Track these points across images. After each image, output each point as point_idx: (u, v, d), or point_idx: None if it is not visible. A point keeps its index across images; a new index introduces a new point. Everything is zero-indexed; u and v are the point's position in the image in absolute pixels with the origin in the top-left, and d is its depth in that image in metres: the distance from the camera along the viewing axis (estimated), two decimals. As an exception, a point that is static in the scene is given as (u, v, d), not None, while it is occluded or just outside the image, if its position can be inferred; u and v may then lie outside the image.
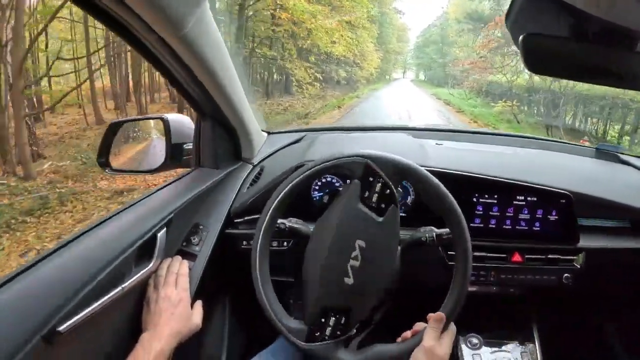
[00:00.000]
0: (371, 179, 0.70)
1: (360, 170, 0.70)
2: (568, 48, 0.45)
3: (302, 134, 1.23)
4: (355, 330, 0.70)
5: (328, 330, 0.68)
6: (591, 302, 1.09)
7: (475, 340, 0.99)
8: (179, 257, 0.81)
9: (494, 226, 0.91)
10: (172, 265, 0.79)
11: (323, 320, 0.68)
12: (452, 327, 0.68)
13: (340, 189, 0.99)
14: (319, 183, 0.98)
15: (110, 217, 0.76)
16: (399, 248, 0.78)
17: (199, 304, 0.78)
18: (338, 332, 0.68)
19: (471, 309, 0.74)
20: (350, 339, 0.70)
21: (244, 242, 0.93)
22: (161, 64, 0.74)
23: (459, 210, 0.69)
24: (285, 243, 0.93)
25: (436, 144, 1.12)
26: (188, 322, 0.72)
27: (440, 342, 0.65)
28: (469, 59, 14.59)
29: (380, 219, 0.70)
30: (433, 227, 0.80)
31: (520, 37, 0.44)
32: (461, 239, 0.68)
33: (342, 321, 0.68)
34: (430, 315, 0.68)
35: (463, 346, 0.99)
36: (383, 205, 0.70)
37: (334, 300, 0.69)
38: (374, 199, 0.70)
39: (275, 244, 0.91)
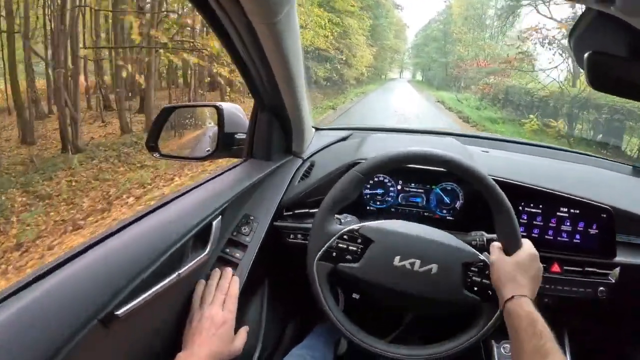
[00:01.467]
0: None
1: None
2: (633, 68, 0.46)
3: (349, 132, 1.25)
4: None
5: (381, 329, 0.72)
6: (623, 317, 1.11)
7: (509, 347, 1.01)
8: (229, 274, 0.78)
9: (536, 235, 0.93)
10: (222, 285, 0.75)
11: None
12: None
13: (392, 188, 1.01)
14: (371, 182, 1.00)
15: (166, 203, 0.76)
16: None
17: (244, 329, 0.75)
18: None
19: None
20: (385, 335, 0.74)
21: (291, 236, 0.95)
22: (235, 48, 0.75)
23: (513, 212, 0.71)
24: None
25: (482, 151, 1.13)
26: (229, 345, 0.69)
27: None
28: (481, 58, 12.93)
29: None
30: (484, 232, 0.81)
31: (586, 55, 0.45)
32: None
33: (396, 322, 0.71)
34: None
35: (497, 352, 1.01)
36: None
37: (390, 301, 0.72)
38: None
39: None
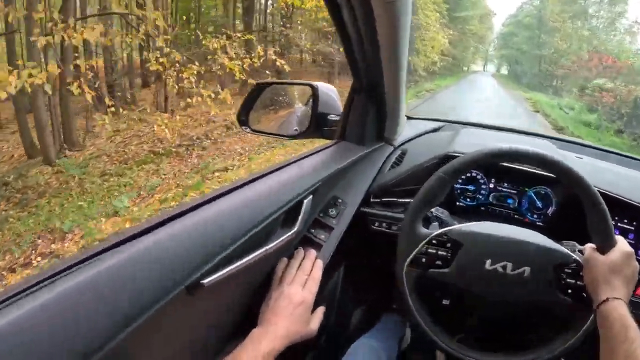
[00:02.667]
0: None
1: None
2: None
3: (441, 123, 1.22)
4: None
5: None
6: None
7: None
8: (312, 255, 0.77)
9: None
10: (305, 266, 0.74)
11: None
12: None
13: (484, 186, 0.97)
14: (463, 177, 0.96)
15: (258, 178, 0.76)
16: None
17: (320, 310, 0.74)
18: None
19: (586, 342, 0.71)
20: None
21: (376, 223, 0.93)
22: (345, 24, 0.72)
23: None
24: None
25: (576, 156, 1.05)
26: (304, 326, 0.68)
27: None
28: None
29: None
30: (575, 242, 0.74)
31: None
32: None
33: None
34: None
35: None
36: None
37: (482, 306, 0.71)
38: None
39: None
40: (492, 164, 0.77)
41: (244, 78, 5.63)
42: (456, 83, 16.74)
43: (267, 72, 7.30)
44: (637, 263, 0.65)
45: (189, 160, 6.51)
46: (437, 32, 12.46)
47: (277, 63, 6.49)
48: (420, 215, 0.75)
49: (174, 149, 6.63)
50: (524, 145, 0.70)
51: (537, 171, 0.90)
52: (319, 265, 0.76)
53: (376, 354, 0.90)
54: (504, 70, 28.00)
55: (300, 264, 0.75)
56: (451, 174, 0.73)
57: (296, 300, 0.68)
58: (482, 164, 0.75)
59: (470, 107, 10.92)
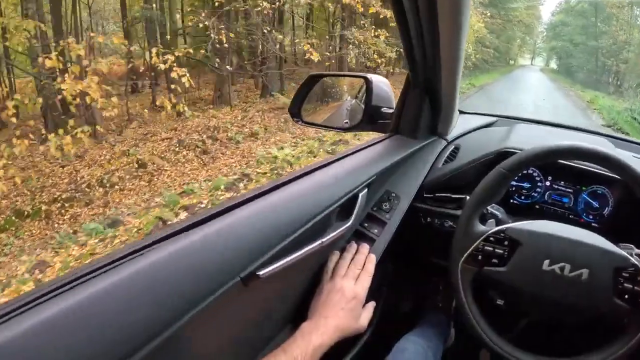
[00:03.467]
0: None
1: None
2: None
3: (494, 118, 1.19)
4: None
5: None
6: None
7: None
8: (365, 249, 0.77)
9: None
10: (357, 260, 0.74)
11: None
12: None
13: (539, 184, 0.95)
14: (519, 174, 0.94)
15: (313, 170, 0.77)
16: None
17: (371, 305, 0.73)
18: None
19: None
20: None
21: (428, 218, 0.93)
22: (407, 22, 0.72)
23: None
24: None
25: (633, 156, 0.98)
26: (355, 321, 0.67)
27: None
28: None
29: None
30: (633, 246, 0.71)
31: None
32: None
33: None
34: None
35: None
36: None
37: (537, 308, 0.70)
38: None
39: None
40: (551, 162, 0.74)
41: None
42: (497, 80, 13.59)
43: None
44: None
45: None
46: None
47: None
48: (479, 211, 0.73)
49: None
50: (586, 143, 0.67)
51: (594, 170, 0.87)
52: (372, 259, 0.76)
53: (424, 352, 0.90)
54: (553, 64, 24.94)
55: (353, 258, 0.75)
56: (512, 170, 0.71)
57: (349, 294, 0.67)
58: (543, 161, 0.72)
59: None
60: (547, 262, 0.67)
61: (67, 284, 0.41)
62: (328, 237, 0.68)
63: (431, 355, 0.92)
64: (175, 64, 5.05)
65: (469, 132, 1.07)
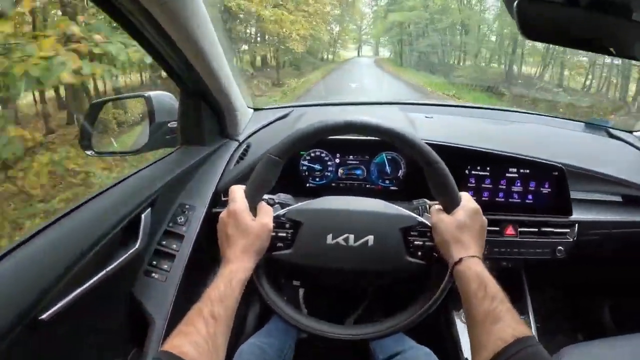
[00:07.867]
0: None
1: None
2: (563, 15, 0.44)
3: (289, 109, 1.19)
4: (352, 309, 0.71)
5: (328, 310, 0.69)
6: (584, 276, 1.10)
7: None
8: None
9: (487, 199, 0.92)
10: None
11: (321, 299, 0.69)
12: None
13: (330, 162, 0.97)
14: (308, 157, 0.97)
15: (90, 199, 0.73)
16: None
17: (262, 204, 0.69)
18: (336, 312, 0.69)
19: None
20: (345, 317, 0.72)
21: None
22: (144, 37, 0.72)
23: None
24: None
25: (425, 117, 1.11)
26: (254, 229, 0.63)
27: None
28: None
29: None
30: (426, 199, 0.78)
31: (515, 3, 0.43)
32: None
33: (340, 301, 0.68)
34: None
35: (458, 322, 1.00)
36: None
37: (332, 281, 0.69)
38: None
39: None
40: (321, 139, 0.71)
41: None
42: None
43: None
44: (484, 218, 0.65)
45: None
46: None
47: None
48: (256, 200, 0.71)
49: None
50: (356, 116, 0.67)
51: (378, 139, 0.96)
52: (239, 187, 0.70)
53: (262, 353, 0.88)
54: (386, 52, 19.74)
55: None
56: (280, 154, 0.68)
57: (225, 217, 0.65)
58: (313, 139, 0.69)
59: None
60: (329, 236, 0.67)
61: None
62: (113, 265, 0.66)
63: (272, 352, 0.90)
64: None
65: (262, 127, 1.07)
